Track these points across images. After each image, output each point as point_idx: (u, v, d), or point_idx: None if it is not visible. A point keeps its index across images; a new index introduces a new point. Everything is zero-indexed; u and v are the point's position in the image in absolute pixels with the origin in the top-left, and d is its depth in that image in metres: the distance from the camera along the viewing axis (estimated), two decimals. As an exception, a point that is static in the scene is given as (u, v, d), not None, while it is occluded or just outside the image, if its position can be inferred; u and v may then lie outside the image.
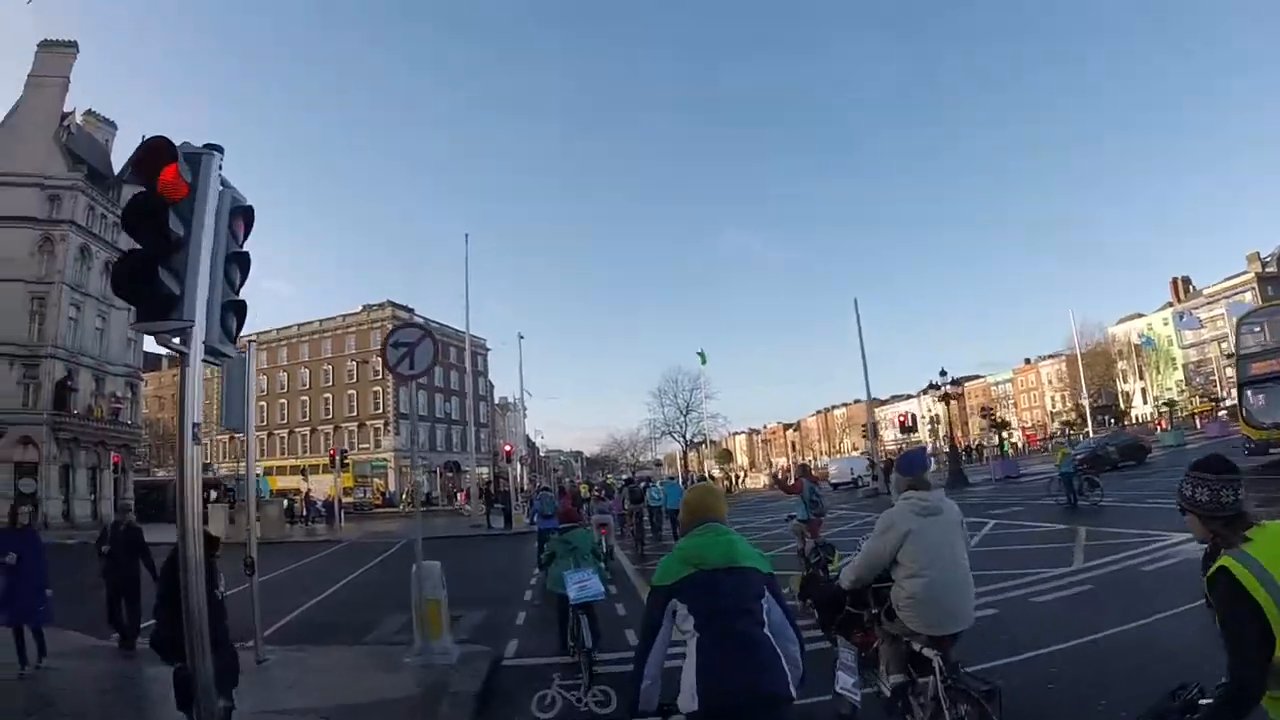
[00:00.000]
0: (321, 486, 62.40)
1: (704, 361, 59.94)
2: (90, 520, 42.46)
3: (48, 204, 45.32)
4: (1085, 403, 59.07)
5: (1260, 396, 25.78)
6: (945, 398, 38.45)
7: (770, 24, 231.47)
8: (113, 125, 55.03)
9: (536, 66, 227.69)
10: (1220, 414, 65.69)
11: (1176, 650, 6.94)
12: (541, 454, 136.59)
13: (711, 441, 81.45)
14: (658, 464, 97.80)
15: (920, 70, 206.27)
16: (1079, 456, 33.53)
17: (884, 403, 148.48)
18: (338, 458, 36.49)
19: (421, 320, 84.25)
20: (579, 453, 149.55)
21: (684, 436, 72.85)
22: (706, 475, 51.34)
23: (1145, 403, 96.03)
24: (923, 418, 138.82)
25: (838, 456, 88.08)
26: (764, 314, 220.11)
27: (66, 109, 49.02)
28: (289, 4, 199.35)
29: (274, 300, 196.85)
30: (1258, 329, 27.61)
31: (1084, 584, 10.94)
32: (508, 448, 38.24)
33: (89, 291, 46.37)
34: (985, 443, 66.95)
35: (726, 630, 3.19)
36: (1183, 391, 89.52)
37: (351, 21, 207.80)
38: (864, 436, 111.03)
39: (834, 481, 46.31)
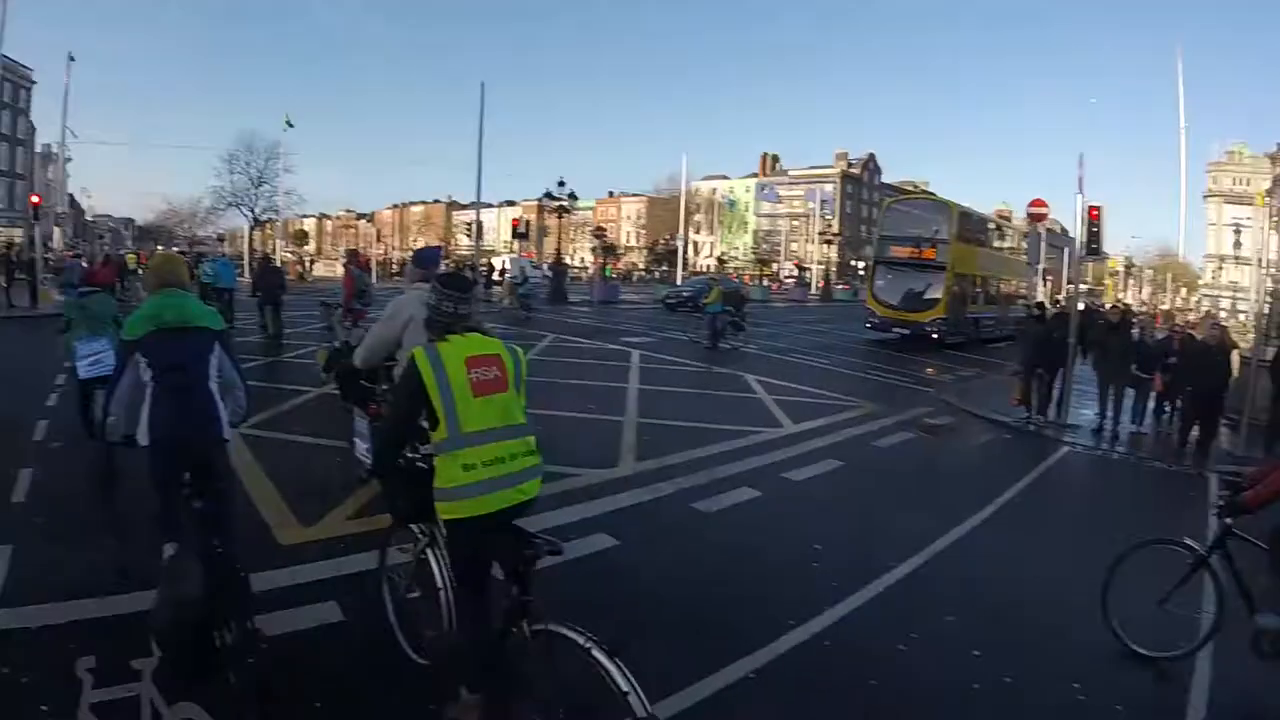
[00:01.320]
0: None
1: (289, 125, 54.14)
2: None
3: None
4: (678, 244, 60.36)
5: (889, 276, 28.25)
6: (560, 210, 37.49)
7: None
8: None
9: None
10: (788, 280, 74.08)
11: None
12: (89, 217, 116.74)
13: (283, 220, 72.73)
14: (220, 239, 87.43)
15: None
16: (685, 293, 34.87)
17: (464, 207, 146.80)
18: None
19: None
20: (130, 220, 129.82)
21: (253, 211, 63.93)
22: (274, 256, 45.31)
23: (711, 255, 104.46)
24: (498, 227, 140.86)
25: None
26: (359, 94, 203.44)
27: None
28: None
29: None
30: (901, 214, 30.20)
31: (828, 458, 9.66)
32: (35, 198, 29.30)
33: None
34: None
35: (175, 382, 3.91)
36: (747, 254, 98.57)
37: None
38: (467, 235, 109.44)
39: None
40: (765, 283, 69.83)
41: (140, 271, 35.37)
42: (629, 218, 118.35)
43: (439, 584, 3.60)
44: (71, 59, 33.77)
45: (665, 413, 11.64)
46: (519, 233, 40.65)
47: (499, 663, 3.22)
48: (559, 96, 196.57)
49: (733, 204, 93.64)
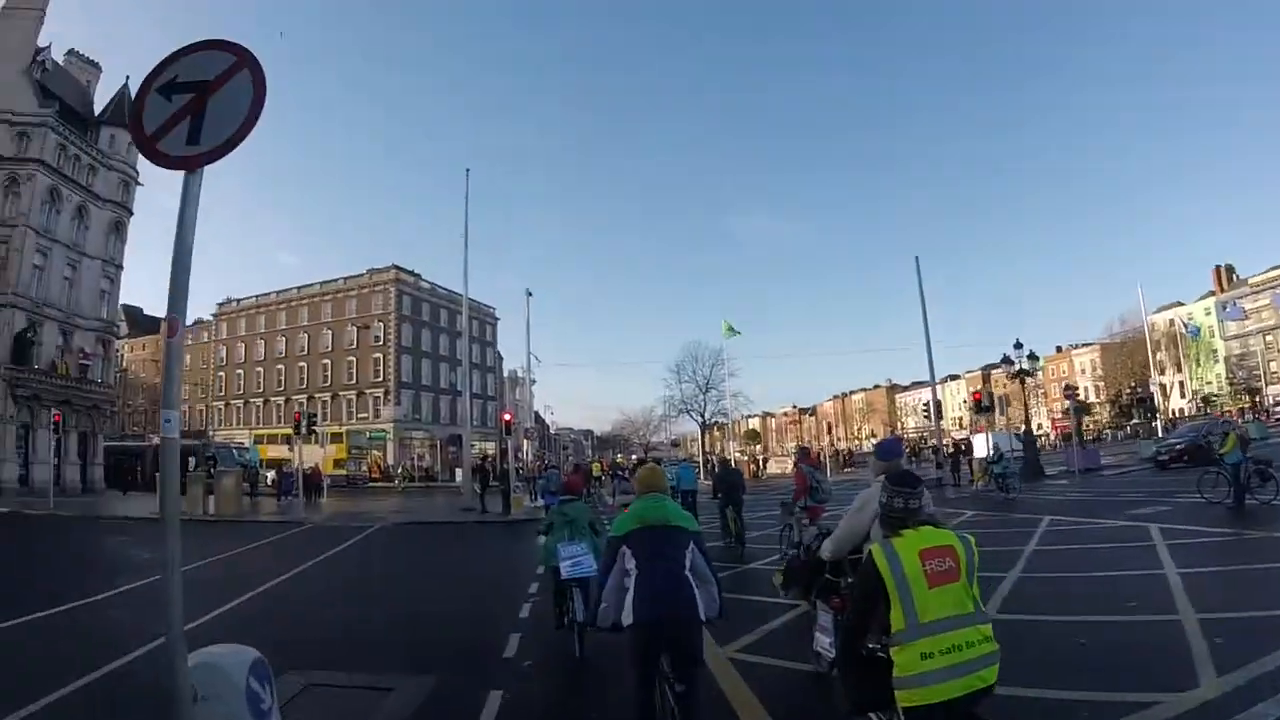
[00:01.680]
0: (313, 458, 58.96)
1: (730, 333, 56.21)
2: (53, 486, 38.78)
3: (14, 141, 41.27)
4: (1151, 388, 53.15)
5: None
6: (1020, 374, 32.74)
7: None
8: (96, 66, 50.78)
9: (549, 28, 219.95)
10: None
11: None
12: (552, 431, 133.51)
13: (731, 422, 76.37)
14: (674, 444, 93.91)
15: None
16: (1179, 445, 29.44)
17: (905, 389, 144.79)
18: (303, 422, 31.40)
19: (429, 285, 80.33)
20: (589, 431, 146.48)
21: (702, 415, 68.12)
22: (729, 457, 47.45)
23: (1183, 396, 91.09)
24: (946, 403, 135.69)
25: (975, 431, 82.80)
26: (782, 299, 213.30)
27: (41, 43, 44.85)
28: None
29: (281, 271, 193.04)
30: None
31: None
32: (507, 415, 33.55)
33: (58, 237, 42.31)
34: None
35: (656, 570, 4.46)
36: (1223, 386, 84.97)
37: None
38: (923, 415, 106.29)
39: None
40: (1251, 416, 58.72)
41: (601, 478, 38.72)
42: (1083, 371, 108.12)
43: None
44: (529, 294, 40.19)
45: (1224, 602, 8.57)
46: (983, 406, 37.04)
47: None
48: (983, 265, 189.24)
49: (1196, 332, 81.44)
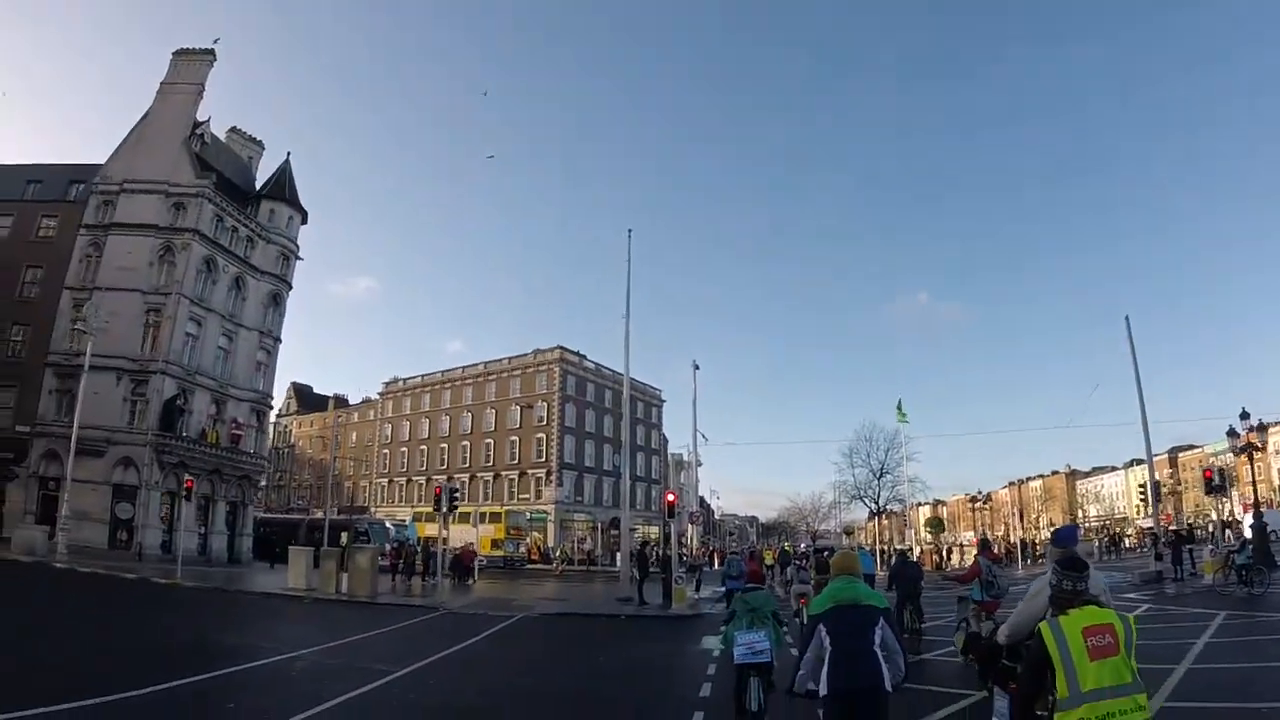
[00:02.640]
0: (471, 538, 56.25)
1: (903, 418, 50.71)
2: (197, 555, 37.30)
3: (171, 212, 41.54)
4: None
5: None
6: (1249, 448, 27.41)
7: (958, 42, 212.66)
8: (258, 143, 52.04)
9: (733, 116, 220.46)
10: None
11: None
12: (716, 516, 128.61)
13: (907, 508, 69.17)
14: (848, 533, 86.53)
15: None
16: None
17: (1085, 475, 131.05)
18: (443, 497, 28.17)
19: (593, 365, 78.04)
20: (754, 518, 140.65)
21: (876, 501, 61.65)
22: (909, 547, 41.22)
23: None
24: (1126, 490, 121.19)
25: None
26: (946, 382, 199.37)
27: (201, 117, 45.74)
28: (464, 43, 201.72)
29: (448, 359, 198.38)
30: None
31: None
32: (671, 496, 28.89)
33: (212, 307, 41.98)
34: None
35: (849, 646, 5.06)
36: None
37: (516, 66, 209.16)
38: (1064, 511, 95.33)
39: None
40: None
41: (773, 567, 34.05)
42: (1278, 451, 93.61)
43: None
44: (696, 367, 36.01)
45: None
46: (1213, 485, 30.68)
47: None
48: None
49: None
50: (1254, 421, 28.99)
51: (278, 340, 47.32)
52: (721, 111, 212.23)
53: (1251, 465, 29.78)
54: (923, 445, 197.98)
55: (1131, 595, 21.98)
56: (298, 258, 49.04)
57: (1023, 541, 59.03)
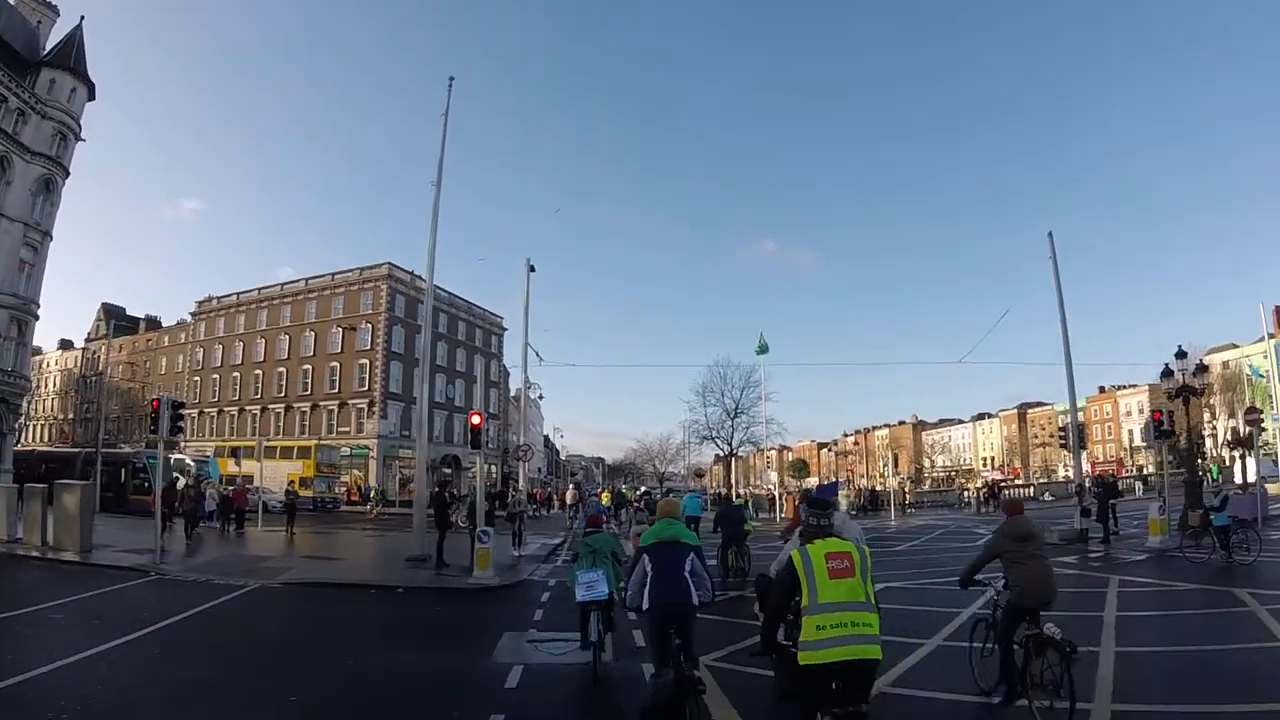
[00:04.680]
0: (279, 475, 51.72)
1: (763, 350, 47.76)
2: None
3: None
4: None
5: None
6: (1185, 390, 23.70)
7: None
8: (51, 7, 44.66)
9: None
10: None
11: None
12: (563, 456, 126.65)
13: (759, 451, 67.53)
14: (698, 474, 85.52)
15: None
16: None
17: (932, 426, 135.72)
18: (163, 414, 22.59)
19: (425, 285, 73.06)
20: (600, 459, 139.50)
21: (729, 443, 59.13)
22: (736, 494, 38.69)
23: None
24: (973, 443, 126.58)
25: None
26: (796, 329, 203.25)
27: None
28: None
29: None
30: None
31: None
32: (475, 419, 21.08)
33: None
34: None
35: (667, 571, 6.48)
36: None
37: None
38: (910, 461, 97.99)
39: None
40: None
41: (609, 508, 37.41)
42: (1128, 413, 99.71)
43: None
44: (532, 269, 32.65)
45: None
46: (1162, 429, 23.80)
47: None
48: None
49: (1257, 372, 72.59)
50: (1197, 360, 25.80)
51: (48, 235, 40.85)
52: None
53: (1186, 410, 24.77)
54: (780, 387, 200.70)
55: (1063, 560, 17.93)
56: (79, 138, 42.59)
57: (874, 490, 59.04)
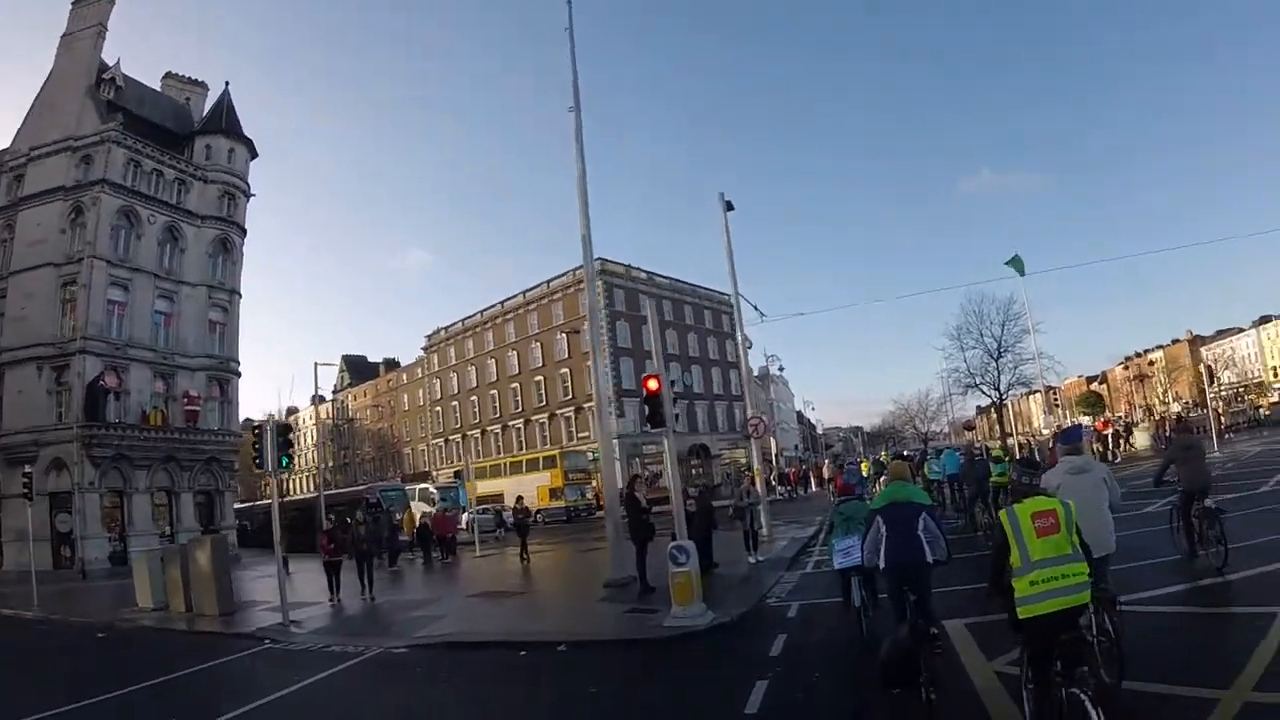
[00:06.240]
0: (528, 489, 49.44)
1: (1021, 270, 38.54)
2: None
3: (79, 168, 35.31)
4: None
5: None
6: None
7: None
8: (199, 84, 44.82)
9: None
10: None
11: None
12: (819, 431, 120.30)
13: (1032, 393, 57.28)
14: (968, 428, 76.39)
15: None
16: None
17: (1208, 340, 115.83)
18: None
19: (643, 274, 69.43)
20: (859, 428, 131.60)
21: (996, 388, 49.46)
22: (981, 445, 29.76)
23: None
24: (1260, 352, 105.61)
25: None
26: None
27: (109, 60, 39.35)
28: None
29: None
30: None
31: None
32: (650, 383, 13.57)
33: (139, 265, 35.62)
34: None
35: (900, 531, 6.73)
36: None
37: None
38: (1191, 385, 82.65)
39: None
40: None
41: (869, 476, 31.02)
42: None
43: None
44: (730, 206, 26.10)
45: None
46: None
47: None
48: None
49: None
50: None
51: (234, 293, 40.37)
52: None
53: None
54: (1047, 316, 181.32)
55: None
56: (248, 195, 42.12)
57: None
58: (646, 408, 13.72)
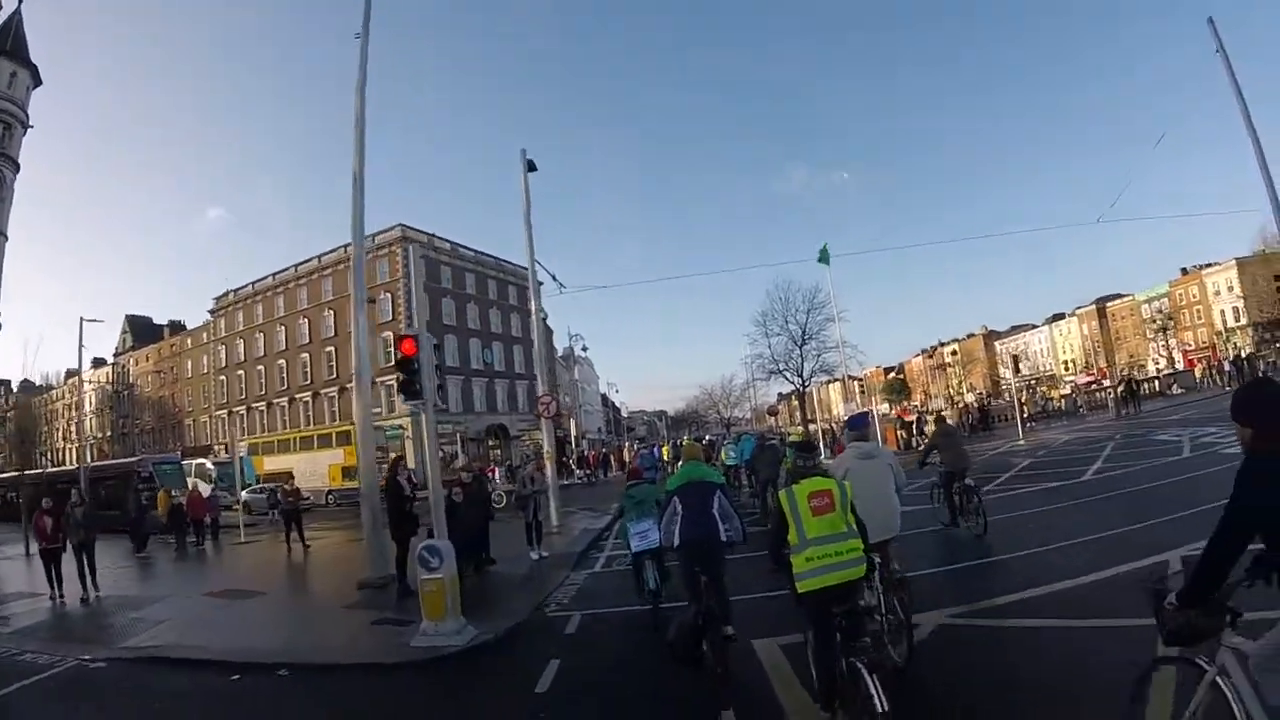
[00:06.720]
0: (320, 467, 46.76)
1: (825, 260, 38.04)
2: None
3: None
4: None
5: None
6: None
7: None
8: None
9: None
10: None
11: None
12: (623, 414, 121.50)
13: (831, 381, 58.41)
14: (771, 414, 77.59)
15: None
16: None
17: (1003, 335, 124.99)
18: None
19: (446, 244, 66.78)
20: (663, 412, 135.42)
21: (799, 374, 49.94)
22: (771, 435, 29.71)
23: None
24: (1051, 347, 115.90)
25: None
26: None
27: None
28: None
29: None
30: None
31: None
32: (406, 346, 13.73)
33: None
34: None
35: (695, 510, 7.09)
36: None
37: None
38: (985, 375, 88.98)
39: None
40: None
41: (668, 461, 36.30)
42: (1216, 292, 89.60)
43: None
44: (532, 166, 23.99)
45: None
46: None
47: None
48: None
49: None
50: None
51: (1, 234, 36.11)
52: None
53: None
54: (850, 306, 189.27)
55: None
56: (26, 126, 37.65)
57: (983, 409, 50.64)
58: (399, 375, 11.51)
